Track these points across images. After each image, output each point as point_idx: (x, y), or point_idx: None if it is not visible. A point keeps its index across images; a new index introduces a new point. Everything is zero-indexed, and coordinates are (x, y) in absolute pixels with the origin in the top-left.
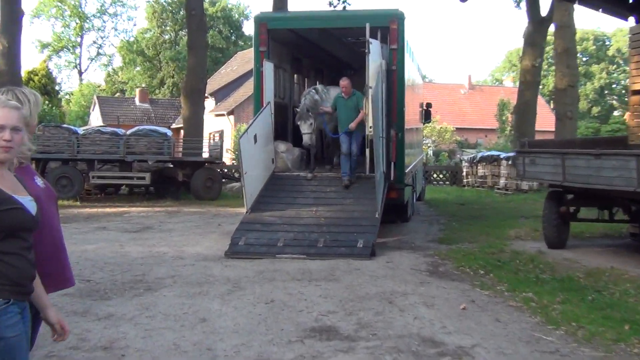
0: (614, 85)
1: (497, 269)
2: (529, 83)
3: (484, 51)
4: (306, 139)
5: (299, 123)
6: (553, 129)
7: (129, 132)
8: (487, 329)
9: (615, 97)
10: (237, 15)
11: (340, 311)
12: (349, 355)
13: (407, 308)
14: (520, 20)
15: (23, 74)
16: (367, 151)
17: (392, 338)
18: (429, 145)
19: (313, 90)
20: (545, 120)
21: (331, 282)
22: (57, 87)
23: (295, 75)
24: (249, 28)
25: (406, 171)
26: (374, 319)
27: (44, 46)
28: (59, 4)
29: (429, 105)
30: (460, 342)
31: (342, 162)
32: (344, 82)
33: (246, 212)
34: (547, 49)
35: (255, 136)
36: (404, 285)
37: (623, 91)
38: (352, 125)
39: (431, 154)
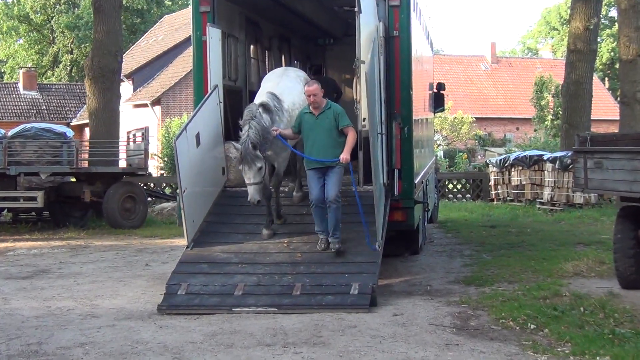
0: None
1: (554, 321)
2: (581, 53)
3: (511, 12)
4: (253, 193)
5: (241, 168)
6: (615, 118)
7: (10, 132)
8: None
9: None
10: None
11: None
12: None
13: None
14: None
15: None
16: (360, 154)
17: None
18: (438, 143)
19: (258, 110)
20: (602, 105)
21: (317, 348)
22: None
23: (252, 47)
24: None
25: (416, 182)
26: None
27: None
28: None
29: (440, 86)
30: None
31: (315, 213)
32: (312, 87)
33: (187, 247)
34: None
35: (197, 136)
36: (422, 350)
37: None
38: (344, 155)
39: (442, 156)
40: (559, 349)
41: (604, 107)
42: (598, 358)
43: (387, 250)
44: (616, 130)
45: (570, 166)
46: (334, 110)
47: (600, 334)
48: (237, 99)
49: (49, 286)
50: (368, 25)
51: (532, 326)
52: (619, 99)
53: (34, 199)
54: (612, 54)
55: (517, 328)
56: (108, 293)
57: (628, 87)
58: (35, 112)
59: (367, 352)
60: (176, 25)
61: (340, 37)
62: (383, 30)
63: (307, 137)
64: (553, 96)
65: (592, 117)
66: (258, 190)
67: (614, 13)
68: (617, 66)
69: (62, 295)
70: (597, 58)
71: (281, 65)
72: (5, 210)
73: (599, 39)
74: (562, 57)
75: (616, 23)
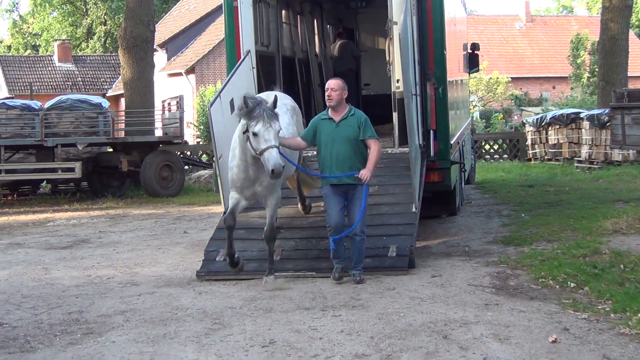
0: None
1: (594, 279)
2: (616, 9)
3: None
4: (276, 157)
5: (257, 131)
6: None
7: (47, 105)
8: None
9: None
10: None
11: (373, 354)
12: None
13: (471, 344)
14: None
15: None
16: (395, 116)
17: None
18: (474, 104)
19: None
20: (637, 61)
21: (356, 311)
22: None
23: (284, 12)
24: None
25: (452, 142)
26: None
27: None
28: None
29: (475, 46)
30: None
31: (333, 244)
32: (333, 81)
33: (224, 213)
34: None
35: (231, 102)
36: (462, 311)
37: None
38: (366, 172)
39: (478, 117)
40: (599, 307)
41: None
42: (639, 315)
43: (425, 212)
44: None
45: (607, 123)
46: (358, 118)
47: None
48: (270, 64)
49: (88, 255)
50: None
51: (572, 284)
52: None
53: (71, 169)
54: None
55: (557, 287)
56: (147, 261)
57: None
58: (70, 84)
59: (406, 313)
60: None
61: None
62: None
63: (324, 147)
64: (589, 54)
65: (629, 74)
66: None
67: None
68: None
69: (101, 264)
70: (633, 14)
71: (313, 30)
72: (44, 182)
73: None
74: (597, 14)
75: None
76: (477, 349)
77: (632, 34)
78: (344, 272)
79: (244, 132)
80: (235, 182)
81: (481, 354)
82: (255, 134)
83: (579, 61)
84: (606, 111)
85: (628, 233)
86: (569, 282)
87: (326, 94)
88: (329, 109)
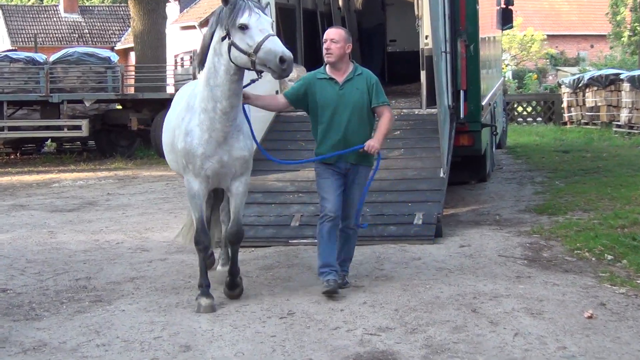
0: None
1: (633, 251)
2: None
3: None
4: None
5: (244, 20)
6: None
7: (52, 58)
8: (630, 348)
9: None
10: None
11: (397, 327)
12: None
13: (501, 319)
14: None
15: None
16: (423, 75)
17: None
18: (506, 63)
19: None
20: None
21: (379, 281)
22: None
23: None
24: None
25: (483, 104)
26: (451, 337)
27: None
28: None
29: (509, 1)
30: None
31: (325, 232)
32: (334, 33)
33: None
34: None
35: None
36: (491, 283)
37: None
38: (374, 143)
39: (510, 77)
40: (638, 281)
41: None
42: None
43: (453, 178)
44: None
45: None
46: (367, 78)
47: None
48: (290, 17)
49: (96, 219)
50: None
51: (609, 257)
52: None
53: (78, 127)
54: None
55: (593, 259)
56: (158, 225)
57: None
58: (77, 36)
59: (433, 285)
60: None
61: None
62: None
63: (322, 114)
64: (631, 10)
65: None
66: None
67: None
68: None
69: (110, 228)
70: None
71: None
72: (49, 140)
73: None
74: None
75: None
76: (508, 323)
77: None
78: (337, 283)
79: (224, 37)
80: (195, 149)
81: (512, 329)
82: (243, 27)
83: (619, 18)
84: None
85: None
86: (606, 255)
87: (324, 46)
88: (327, 66)
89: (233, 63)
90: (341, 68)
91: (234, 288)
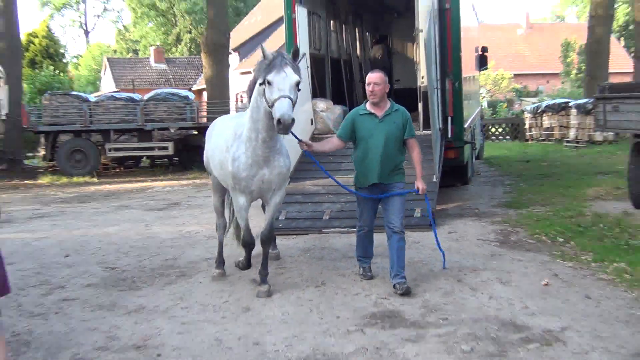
0: None
1: (579, 235)
2: (600, 17)
3: None
4: (288, 107)
5: (271, 78)
6: (629, 70)
7: (146, 97)
8: (577, 308)
9: None
10: None
11: None
12: (419, 346)
13: (479, 286)
14: None
15: (22, 36)
16: (420, 105)
17: (467, 323)
18: (483, 95)
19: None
20: (617, 60)
21: (388, 259)
22: (62, 50)
23: (332, 22)
24: None
25: (465, 126)
26: (442, 300)
27: (44, 4)
28: None
29: (484, 49)
30: (546, 324)
31: (362, 239)
32: (375, 74)
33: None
34: None
35: None
36: (472, 260)
37: None
38: (422, 186)
39: (486, 106)
40: (582, 257)
41: (620, 62)
42: (615, 264)
43: (443, 182)
44: (630, 80)
45: (591, 110)
46: (403, 115)
47: (616, 245)
48: (320, 64)
49: (179, 215)
50: (424, 1)
51: (561, 240)
52: (632, 55)
53: (165, 148)
54: (627, 17)
55: (549, 241)
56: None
57: None
58: (164, 80)
59: (429, 261)
60: (271, 7)
61: (403, 11)
62: (437, 4)
63: (363, 143)
64: (577, 54)
65: (610, 71)
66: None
67: None
68: (631, 27)
69: (190, 221)
70: (614, 21)
71: (355, 37)
72: (144, 158)
73: (615, 5)
74: (584, 21)
75: None
76: (485, 289)
77: (612, 37)
78: (370, 273)
79: (260, 84)
80: (241, 173)
81: (487, 294)
82: (269, 83)
83: (568, 60)
84: (590, 100)
85: (607, 199)
86: (558, 238)
87: (368, 88)
88: (368, 104)
89: None
90: (381, 105)
91: (263, 284)
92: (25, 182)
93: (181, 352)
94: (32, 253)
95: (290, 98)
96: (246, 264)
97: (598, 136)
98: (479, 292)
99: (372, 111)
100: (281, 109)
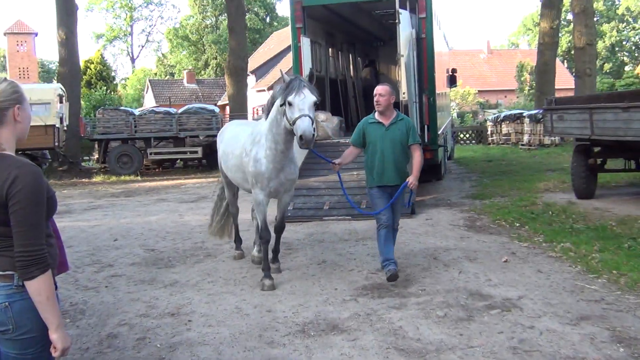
0: (624, 42)
1: (532, 221)
2: (548, 44)
3: (500, 17)
4: (309, 125)
5: (291, 99)
6: (571, 87)
7: (180, 110)
8: (531, 280)
9: (626, 54)
10: None
11: None
12: (402, 312)
13: (451, 263)
14: None
15: (81, 62)
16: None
17: (441, 293)
18: (453, 108)
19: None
20: (561, 79)
21: (377, 241)
22: (112, 74)
23: (330, 49)
24: (281, 9)
25: (439, 133)
26: (421, 274)
27: (99, 37)
28: None
29: (454, 70)
30: (506, 294)
31: (383, 236)
32: (383, 86)
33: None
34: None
35: None
36: (445, 241)
37: (633, 47)
38: (413, 181)
39: (456, 116)
40: (535, 239)
41: (565, 80)
42: (562, 244)
43: (421, 178)
44: (572, 95)
45: (541, 119)
46: (407, 123)
47: (563, 228)
48: (321, 83)
49: (207, 206)
50: (405, 31)
51: (517, 224)
52: (574, 74)
53: (196, 152)
54: (569, 44)
55: (507, 226)
56: (245, 210)
57: (580, 65)
58: (194, 97)
59: (409, 243)
60: (281, 38)
61: (387, 40)
62: (415, 34)
63: (372, 149)
64: (529, 74)
65: (557, 87)
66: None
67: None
68: (572, 52)
69: None
70: (559, 47)
71: (349, 61)
72: (179, 160)
73: (560, 34)
74: (535, 47)
75: (572, 22)
76: (455, 266)
77: (557, 60)
78: (396, 270)
79: (281, 105)
80: (263, 174)
81: (458, 269)
82: (290, 104)
83: (522, 79)
84: (540, 111)
85: (555, 191)
86: (515, 223)
87: (375, 99)
88: (376, 113)
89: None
90: (387, 114)
91: (275, 262)
92: (82, 180)
93: (208, 318)
94: (87, 238)
95: (309, 117)
96: (265, 256)
97: (547, 140)
98: (450, 268)
99: (380, 120)
100: (303, 126)
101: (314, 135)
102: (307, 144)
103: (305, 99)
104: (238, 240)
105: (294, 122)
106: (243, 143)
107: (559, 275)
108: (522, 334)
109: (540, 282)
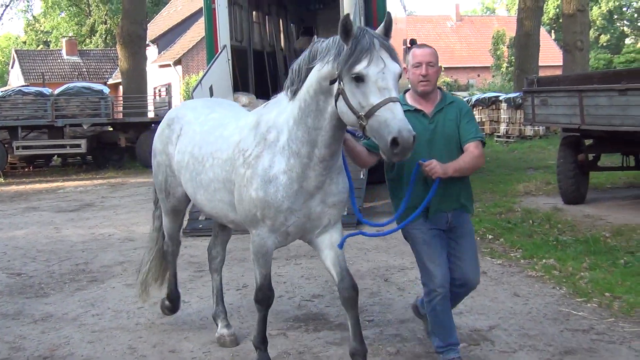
0: (624, 9)
1: (508, 232)
2: (530, 9)
3: None
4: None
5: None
6: (559, 63)
7: (57, 91)
8: (505, 306)
9: (627, 23)
10: None
11: (327, 294)
12: (344, 348)
13: (406, 286)
14: None
15: None
16: None
17: (393, 324)
18: None
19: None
20: (548, 53)
21: (313, 260)
22: None
23: (254, 13)
24: None
25: None
26: (368, 301)
27: None
28: None
29: (413, 42)
30: (474, 324)
31: (439, 310)
32: (430, 54)
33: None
34: None
35: (210, 88)
36: (400, 259)
37: (635, 15)
38: (436, 165)
39: None
40: (511, 254)
41: (552, 55)
42: (544, 261)
43: (371, 179)
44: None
45: (521, 105)
46: (460, 109)
47: (546, 241)
48: (242, 56)
49: (93, 217)
50: None
51: (490, 236)
52: (562, 47)
53: (78, 145)
54: (557, 10)
55: (478, 239)
56: (142, 221)
57: (569, 37)
58: (77, 73)
59: (356, 261)
60: None
61: (328, 2)
62: None
63: (410, 158)
64: (507, 47)
65: (541, 64)
66: None
67: None
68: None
69: (104, 223)
70: (545, 14)
71: (279, 28)
72: (55, 156)
73: None
74: (514, 14)
75: None
76: (412, 289)
77: (542, 30)
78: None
79: (333, 80)
80: (279, 204)
81: (415, 294)
82: (360, 78)
83: (498, 53)
84: (520, 94)
85: (537, 194)
86: (487, 235)
87: (418, 71)
88: (408, 95)
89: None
90: (432, 97)
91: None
92: None
93: None
94: None
95: (400, 102)
96: (262, 335)
97: (529, 130)
98: (406, 292)
99: (419, 107)
100: (396, 121)
101: (415, 137)
102: (404, 154)
103: (386, 69)
104: (174, 295)
105: (370, 114)
106: (237, 141)
107: (539, 299)
108: None
109: (516, 309)
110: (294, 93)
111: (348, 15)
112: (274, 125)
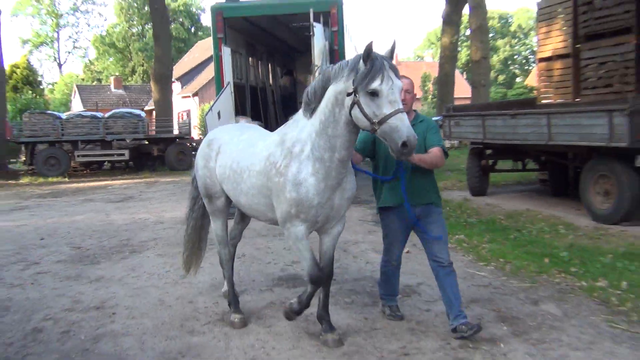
0: (516, 57)
1: None
2: (448, 57)
3: (406, 31)
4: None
5: (381, 86)
6: (469, 96)
7: (107, 115)
8: (429, 269)
9: (517, 67)
10: (195, 9)
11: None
12: (314, 299)
13: (359, 254)
14: (439, 2)
15: (6, 67)
16: None
17: (349, 282)
18: None
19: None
20: (460, 89)
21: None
22: (39, 78)
23: (250, 59)
24: (206, 20)
25: None
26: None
27: (24, 42)
28: (35, 2)
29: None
30: (407, 281)
31: (387, 274)
32: (408, 84)
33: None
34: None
35: (218, 113)
36: (354, 235)
37: (524, 61)
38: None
39: None
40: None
41: (463, 90)
42: (457, 236)
43: None
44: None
45: (441, 125)
46: (428, 125)
47: (458, 222)
48: (242, 90)
49: (133, 206)
50: (319, 43)
51: None
52: (471, 84)
53: (123, 154)
54: (468, 57)
55: None
56: (170, 208)
57: (476, 77)
58: (121, 102)
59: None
60: (205, 47)
61: (304, 51)
62: (328, 46)
63: (386, 163)
64: (432, 84)
65: (456, 96)
66: None
67: (468, 32)
68: (470, 65)
69: (141, 210)
70: (458, 60)
71: (268, 69)
72: (106, 162)
73: (459, 49)
74: (437, 60)
75: (469, 38)
76: (363, 257)
77: (457, 72)
78: (398, 312)
79: (350, 93)
80: (310, 201)
81: (365, 260)
82: (375, 93)
83: (426, 89)
84: (441, 117)
85: (452, 189)
86: None
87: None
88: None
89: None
90: (408, 116)
91: (331, 331)
92: (9, 182)
93: (131, 310)
94: (13, 237)
95: (404, 112)
96: (306, 303)
97: (447, 144)
98: (359, 259)
99: None
100: (404, 128)
101: (417, 139)
102: (411, 152)
103: (394, 85)
104: (235, 300)
105: (383, 121)
106: (266, 155)
107: (454, 264)
108: (419, 316)
109: None
110: (313, 110)
111: (372, 42)
112: (298, 140)
